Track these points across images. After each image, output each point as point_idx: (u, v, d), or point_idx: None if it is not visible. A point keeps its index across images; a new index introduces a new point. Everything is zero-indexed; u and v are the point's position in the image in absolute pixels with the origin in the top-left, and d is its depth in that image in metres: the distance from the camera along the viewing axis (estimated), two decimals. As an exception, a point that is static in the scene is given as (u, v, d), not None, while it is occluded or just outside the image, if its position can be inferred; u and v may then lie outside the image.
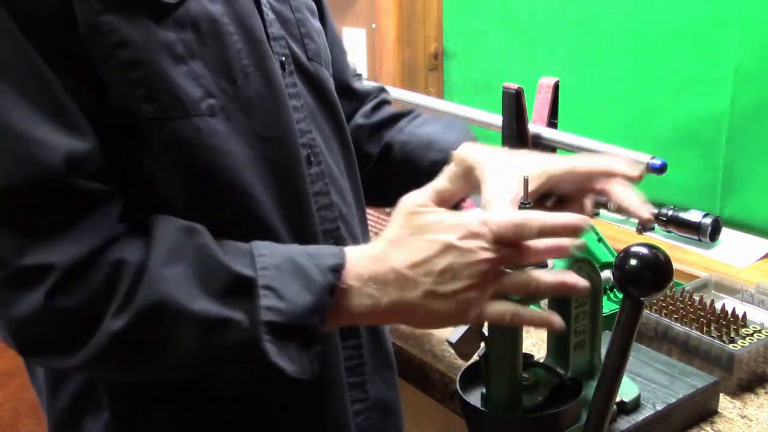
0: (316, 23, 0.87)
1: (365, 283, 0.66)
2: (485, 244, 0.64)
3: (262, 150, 0.72)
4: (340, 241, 0.80)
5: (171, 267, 0.63)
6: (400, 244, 0.66)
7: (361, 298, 0.66)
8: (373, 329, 0.86)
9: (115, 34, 0.64)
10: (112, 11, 0.64)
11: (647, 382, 0.87)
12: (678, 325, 0.97)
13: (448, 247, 0.64)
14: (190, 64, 0.67)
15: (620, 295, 0.74)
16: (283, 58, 0.78)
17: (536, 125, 1.22)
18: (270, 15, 0.78)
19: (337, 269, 0.66)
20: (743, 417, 0.89)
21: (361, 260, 0.67)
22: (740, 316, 0.97)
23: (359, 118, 0.99)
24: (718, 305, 0.99)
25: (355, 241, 0.84)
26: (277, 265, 0.66)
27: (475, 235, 0.64)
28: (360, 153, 0.94)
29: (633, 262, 0.64)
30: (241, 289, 0.65)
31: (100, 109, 0.65)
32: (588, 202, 0.81)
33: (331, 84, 0.86)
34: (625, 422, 0.80)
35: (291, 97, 0.77)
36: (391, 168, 0.96)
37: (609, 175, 0.78)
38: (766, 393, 0.93)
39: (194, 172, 0.68)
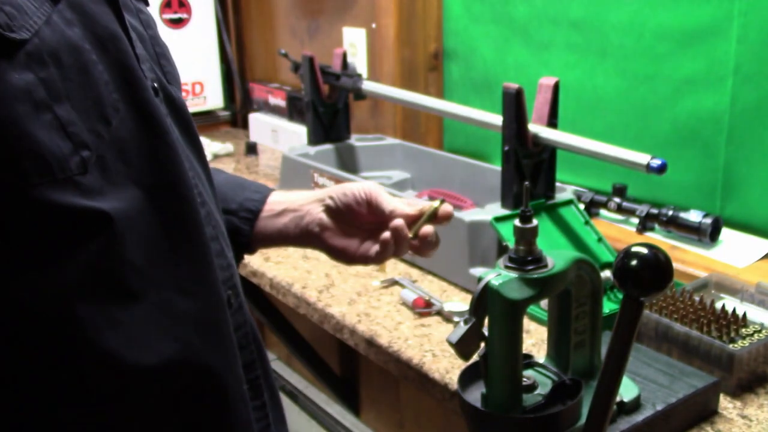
0: (163, 40, 0.75)
1: None
2: None
3: (150, 200, 0.61)
4: (235, 292, 0.73)
5: None
6: None
7: None
8: (272, 388, 0.80)
9: None
10: None
11: (647, 382, 0.87)
12: (678, 325, 0.97)
13: None
14: (55, 109, 0.54)
15: (620, 295, 0.74)
16: (156, 84, 0.66)
17: (536, 125, 1.22)
18: (132, 33, 0.65)
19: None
20: (743, 417, 0.89)
21: None
22: (740, 316, 0.97)
23: None
24: (718, 305, 0.99)
25: (240, 287, 0.75)
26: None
27: None
28: None
29: (633, 262, 0.64)
30: None
31: None
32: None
33: (188, 109, 0.74)
34: (625, 422, 0.80)
35: (171, 129, 0.65)
36: None
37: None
38: (766, 393, 0.93)
39: (68, 247, 0.56)
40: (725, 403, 0.91)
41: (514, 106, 1.19)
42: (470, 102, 1.80)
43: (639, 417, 0.81)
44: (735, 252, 1.28)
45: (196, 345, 0.64)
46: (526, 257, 0.72)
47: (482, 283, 0.71)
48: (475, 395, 0.76)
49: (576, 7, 1.55)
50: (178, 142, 0.66)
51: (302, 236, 0.90)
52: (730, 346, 0.93)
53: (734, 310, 0.98)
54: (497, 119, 1.24)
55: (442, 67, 1.91)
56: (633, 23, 1.45)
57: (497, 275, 0.71)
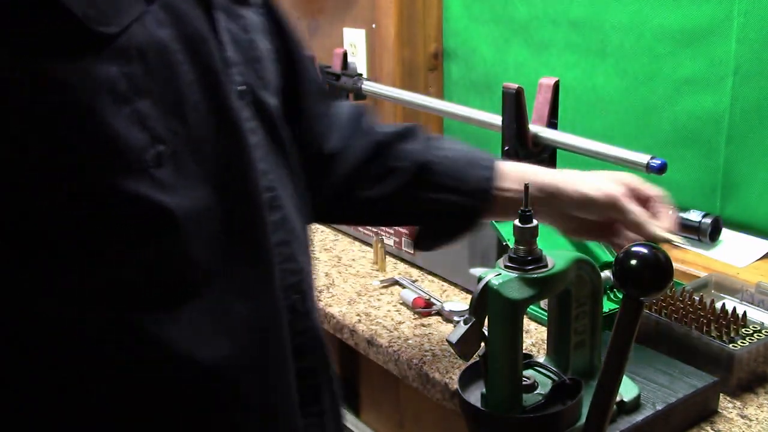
0: (265, 44, 0.75)
1: None
2: None
3: (219, 200, 0.61)
4: (302, 296, 0.72)
5: None
6: None
7: None
8: (334, 397, 0.78)
9: (48, 75, 0.52)
10: (44, 47, 0.52)
11: (647, 382, 0.87)
12: (678, 325, 0.97)
13: None
14: (136, 103, 0.55)
15: (620, 295, 0.74)
16: (241, 88, 0.67)
17: (536, 125, 1.22)
18: (225, 36, 0.66)
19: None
20: (743, 417, 0.89)
21: None
22: (740, 316, 0.97)
23: (376, 134, 0.93)
24: (718, 305, 0.99)
25: (311, 292, 0.75)
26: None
27: None
28: (382, 169, 0.91)
29: (633, 262, 0.64)
30: None
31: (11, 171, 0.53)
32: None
33: (280, 114, 0.74)
34: (625, 422, 0.80)
35: (250, 133, 0.66)
36: (428, 185, 0.91)
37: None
38: (766, 393, 0.93)
39: (134, 239, 0.57)
40: (725, 402, 0.91)
41: (514, 106, 1.19)
42: (470, 102, 1.80)
43: (639, 417, 0.81)
44: (735, 252, 1.28)
45: (247, 347, 0.64)
46: (526, 257, 0.72)
47: (482, 283, 0.71)
48: (475, 395, 0.76)
49: (576, 7, 1.54)
50: (257, 147, 0.67)
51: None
52: (730, 346, 0.93)
53: (734, 310, 0.98)
54: (497, 119, 1.24)
55: (442, 67, 1.91)
56: (633, 23, 1.45)
57: (497, 275, 0.71)
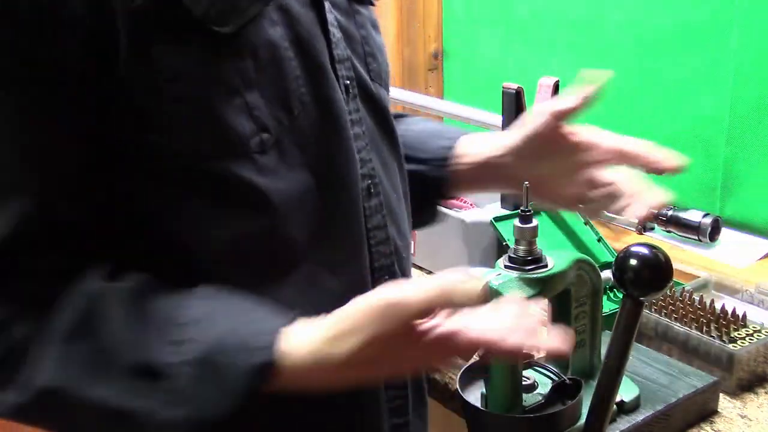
0: (380, 38, 0.80)
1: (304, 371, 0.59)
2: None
3: (317, 186, 0.66)
4: (392, 278, 0.76)
5: (69, 344, 0.58)
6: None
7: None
8: (419, 386, 0.81)
9: (166, 67, 0.58)
10: (164, 42, 0.58)
11: (647, 382, 0.87)
12: (678, 325, 0.97)
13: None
14: (246, 95, 0.61)
15: (620, 295, 0.74)
16: (348, 82, 0.71)
17: (536, 125, 1.22)
18: (337, 34, 0.71)
19: (264, 369, 0.58)
20: (743, 417, 0.89)
21: (299, 353, 0.59)
22: (740, 316, 0.97)
23: None
24: (718, 305, 0.99)
25: (404, 275, 0.79)
26: (198, 359, 0.58)
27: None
28: None
29: (633, 262, 0.64)
30: (148, 378, 0.58)
31: (126, 150, 0.60)
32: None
33: (389, 104, 0.79)
34: (625, 422, 0.80)
35: (353, 123, 0.71)
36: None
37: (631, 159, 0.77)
38: (766, 393, 0.93)
39: (235, 218, 0.63)
40: (725, 402, 0.91)
41: (514, 106, 1.19)
42: (470, 102, 1.80)
43: (639, 417, 0.81)
44: (735, 252, 1.28)
45: None
46: (526, 257, 0.71)
47: (482, 283, 0.71)
48: (475, 395, 0.76)
49: (576, 7, 1.55)
50: (360, 137, 0.71)
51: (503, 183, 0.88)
52: (730, 346, 0.93)
53: (734, 310, 0.98)
54: (497, 119, 1.24)
55: (442, 67, 1.91)
56: (633, 23, 1.45)
57: (497, 275, 0.71)
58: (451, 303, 0.58)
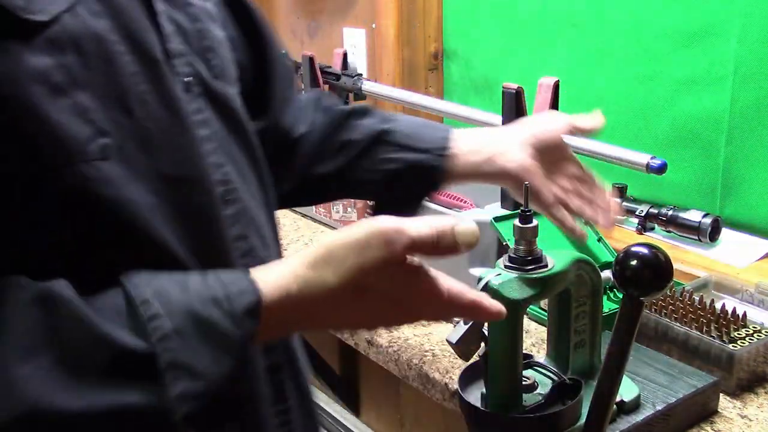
0: (219, 33, 0.72)
1: (287, 313, 0.57)
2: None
3: (169, 193, 0.60)
4: None
5: (30, 362, 0.50)
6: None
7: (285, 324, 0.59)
8: (303, 393, 0.76)
9: None
10: None
11: (647, 382, 0.87)
12: (678, 325, 0.97)
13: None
14: (74, 95, 0.54)
15: (620, 295, 0.74)
16: (187, 79, 0.65)
17: (536, 125, 1.22)
18: (168, 27, 0.64)
19: (254, 309, 0.55)
20: (743, 417, 0.89)
21: (279, 287, 0.57)
22: (740, 316, 0.97)
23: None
24: (718, 305, 0.99)
25: None
26: (178, 329, 0.53)
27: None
28: (337, 141, 0.91)
29: (633, 262, 0.64)
30: (135, 368, 0.52)
31: None
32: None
33: (239, 104, 0.72)
34: (625, 422, 0.80)
35: (199, 125, 0.64)
36: (385, 147, 0.91)
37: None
38: (766, 393, 0.93)
39: (83, 233, 0.56)
40: (725, 402, 0.91)
41: (514, 106, 1.19)
42: (470, 102, 1.80)
43: (639, 417, 0.81)
44: (735, 252, 1.28)
45: None
46: (526, 257, 0.72)
47: (482, 283, 0.71)
48: (475, 395, 0.76)
49: (576, 7, 1.55)
50: (208, 140, 0.65)
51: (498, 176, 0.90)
52: (730, 346, 0.93)
53: (734, 310, 0.98)
54: (497, 119, 1.24)
55: (442, 67, 1.91)
56: (633, 23, 1.45)
57: (497, 275, 0.71)
58: (447, 241, 0.59)
